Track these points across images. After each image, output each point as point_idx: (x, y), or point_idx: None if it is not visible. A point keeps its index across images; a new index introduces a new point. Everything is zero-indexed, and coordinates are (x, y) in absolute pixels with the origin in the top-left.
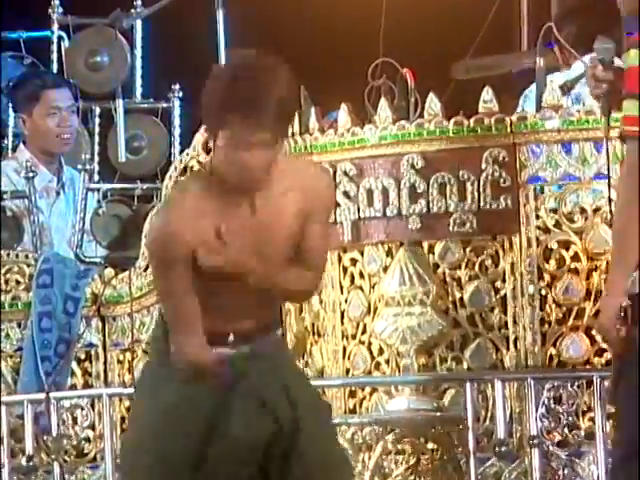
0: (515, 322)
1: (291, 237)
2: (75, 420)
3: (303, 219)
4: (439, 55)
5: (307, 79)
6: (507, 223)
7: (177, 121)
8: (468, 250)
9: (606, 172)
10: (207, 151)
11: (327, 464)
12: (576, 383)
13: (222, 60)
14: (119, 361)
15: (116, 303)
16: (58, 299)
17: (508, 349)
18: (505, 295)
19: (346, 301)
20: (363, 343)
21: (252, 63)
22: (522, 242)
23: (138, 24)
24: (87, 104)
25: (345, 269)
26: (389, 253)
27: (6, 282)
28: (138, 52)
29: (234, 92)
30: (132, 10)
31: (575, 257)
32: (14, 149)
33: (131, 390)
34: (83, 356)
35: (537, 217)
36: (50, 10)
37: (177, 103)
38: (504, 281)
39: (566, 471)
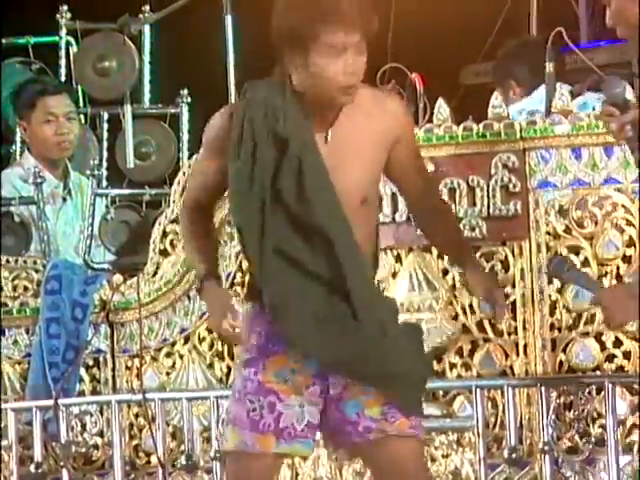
0: (525, 328)
1: (368, 167)
2: (84, 427)
3: (385, 149)
4: (448, 60)
5: None
6: (517, 228)
7: (185, 126)
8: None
9: (616, 177)
10: None
11: None
12: (586, 389)
13: (230, 66)
14: (127, 367)
15: (124, 309)
16: (66, 305)
17: (518, 355)
18: (515, 301)
19: None
20: None
21: None
22: (532, 247)
23: (146, 29)
24: (95, 109)
25: None
26: (398, 259)
27: (14, 288)
28: (146, 57)
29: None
30: (140, 15)
31: (585, 262)
32: (21, 155)
33: (140, 397)
34: (91, 362)
35: (546, 222)
36: (58, 15)
37: (185, 108)
38: (514, 287)
39: (577, 478)
